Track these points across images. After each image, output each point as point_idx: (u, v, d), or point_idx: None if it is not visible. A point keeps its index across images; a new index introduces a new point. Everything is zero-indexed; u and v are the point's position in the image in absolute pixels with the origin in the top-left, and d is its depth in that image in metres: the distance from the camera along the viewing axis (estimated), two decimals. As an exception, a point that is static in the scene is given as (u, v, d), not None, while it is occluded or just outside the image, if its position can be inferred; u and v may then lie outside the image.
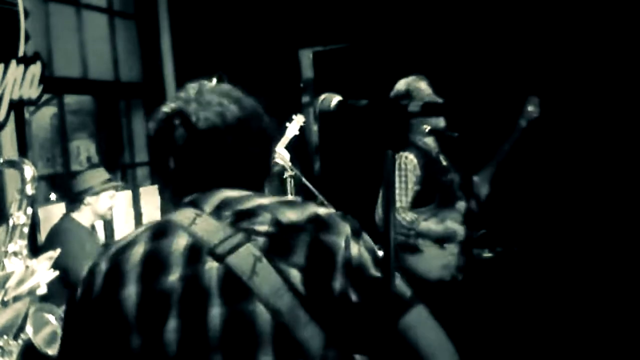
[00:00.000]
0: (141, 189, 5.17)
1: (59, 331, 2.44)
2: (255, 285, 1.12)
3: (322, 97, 1.22)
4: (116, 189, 3.73)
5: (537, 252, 4.22)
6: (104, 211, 3.65)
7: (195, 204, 1.24)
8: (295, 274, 1.14)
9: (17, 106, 3.78)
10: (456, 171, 3.39)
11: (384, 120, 1.04)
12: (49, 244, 3.39)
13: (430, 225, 3.24)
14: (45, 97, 4.08)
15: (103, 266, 1.21)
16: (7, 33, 3.70)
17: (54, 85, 4.25)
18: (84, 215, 3.62)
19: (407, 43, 4.54)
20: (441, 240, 3.26)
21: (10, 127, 3.77)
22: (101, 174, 3.71)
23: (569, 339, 3.83)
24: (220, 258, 1.15)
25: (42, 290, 2.20)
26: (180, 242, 1.18)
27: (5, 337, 2.19)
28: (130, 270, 1.17)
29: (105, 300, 1.17)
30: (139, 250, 1.19)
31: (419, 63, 4.24)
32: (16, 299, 2.14)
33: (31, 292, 2.17)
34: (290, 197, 1.25)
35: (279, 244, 1.17)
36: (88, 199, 3.59)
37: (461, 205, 3.34)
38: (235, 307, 1.13)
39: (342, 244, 1.18)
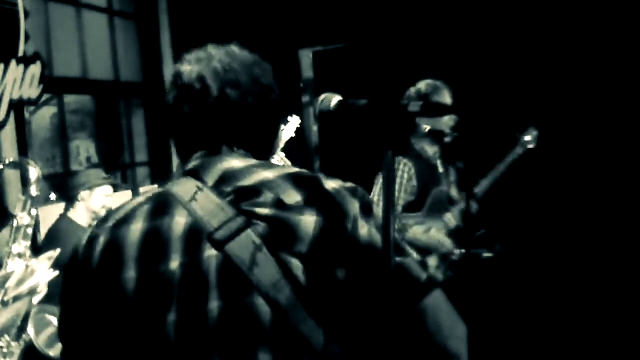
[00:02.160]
0: (141, 189, 5.17)
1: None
2: (255, 276, 1.08)
3: (322, 97, 1.21)
4: (113, 186, 3.72)
5: (537, 253, 4.22)
6: (97, 208, 3.61)
7: (197, 174, 1.19)
8: (296, 264, 1.09)
9: (17, 106, 3.78)
10: (450, 179, 3.39)
11: (384, 120, 1.04)
12: (48, 245, 3.39)
13: (416, 232, 3.23)
14: (45, 97, 4.07)
15: (102, 239, 1.16)
16: (7, 33, 3.70)
17: (54, 85, 4.25)
18: (79, 213, 3.61)
19: (407, 43, 4.54)
20: (424, 251, 3.25)
21: (10, 127, 3.77)
22: (97, 173, 3.72)
23: (568, 339, 3.83)
24: (219, 245, 1.10)
25: (42, 291, 2.20)
26: (179, 222, 1.14)
27: (7, 338, 2.19)
28: (129, 250, 1.13)
29: (105, 278, 1.13)
30: (137, 227, 1.15)
31: (419, 63, 4.24)
32: (16, 299, 2.14)
33: (31, 292, 2.17)
34: (297, 169, 1.22)
35: (281, 230, 1.11)
36: (82, 194, 3.59)
37: (448, 217, 3.33)
38: (234, 300, 1.09)
39: (349, 225, 1.12)
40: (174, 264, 1.11)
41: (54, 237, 3.56)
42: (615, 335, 3.73)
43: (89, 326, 1.15)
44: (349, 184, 1.19)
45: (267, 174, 1.16)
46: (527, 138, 3.48)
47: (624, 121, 4.07)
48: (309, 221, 1.11)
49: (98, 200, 3.61)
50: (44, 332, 2.37)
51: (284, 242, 1.10)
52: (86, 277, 1.16)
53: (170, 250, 1.12)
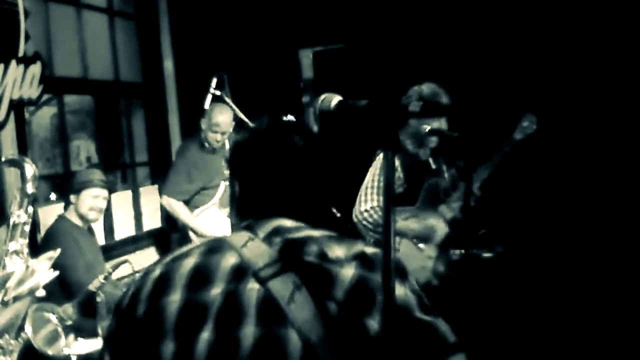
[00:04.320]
0: (141, 189, 5.17)
1: (59, 330, 2.44)
2: (291, 311, 1.16)
3: (322, 97, 1.21)
4: (105, 188, 3.64)
5: (537, 253, 4.22)
6: (86, 211, 3.58)
7: (251, 228, 1.30)
8: (332, 308, 1.17)
9: (17, 106, 3.77)
10: (444, 175, 3.39)
11: (384, 120, 1.04)
12: (45, 245, 3.39)
13: (409, 224, 3.23)
14: (45, 97, 4.07)
15: (157, 272, 1.28)
16: (7, 33, 3.70)
17: (54, 85, 4.24)
18: (73, 215, 3.61)
19: (407, 43, 4.54)
20: (419, 238, 3.24)
21: (10, 127, 3.77)
22: (90, 174, 3.69)
23: (568, 339, 3.83)
24: (262, 281, 1.19)
25: (40, 293, 2.20)
26: (229, 260, 1.24)
27: (6, 336, 2.19)
28: (178, 279, 1.24)
29: (149, 305, 1.24)
30: (189, 262, 1.26)
31: (419, 63, 4.25)
32: (16, 299, 2.14)
33: (31, 292, 2.17)
34: (339, 234, 1.31)
35: (321, 276, 1.20)
36: (71, 198, 3.59)
37: (444, 209, 3.32)
38: (269, 329, 1.16)
39: None
40: (215, 291, 1.21)
41: (53, 237, 3.56)
42: (615, 335, 3.73)
43: (132, 342, 1.24)
44: None
45: (314, 233, 1.28)
46: (525, 124, 3.44)
47: (625, 121, 4.07)
48: (347, 273, 1.20)
49: (86, 203, 3.58)
50: (42, 330, 2.37)
51: (323, 286, 1.19)
52: (135, 304, 1.26)
53: (214, 281, 1.22)
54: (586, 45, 4.12)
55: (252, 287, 1.20)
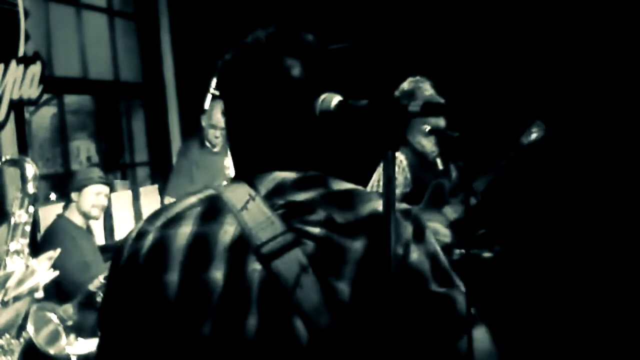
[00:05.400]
0: (141, 189, 5.17)
1: (60, 330, 2.45)
2: (297, 298, 1.06)
3: (322, 97, 1.21)
4: (106, 184, 3.67)
5: (537, 253, 4.22)
6: (88, 208, 3.58)
7: (251, 181, 1.17)
8: (342, 289, 1.06)
9: (17, 106, 3.78)
10: (451, 176, 3.39)
11: (384, 120, 1.04)
12: (44, 245, 3.39)
13: None
14: (45, 97, 4.08)
15: (150, 237, 1.17)
16: (7, 33, 3.70)
17: (54, 85, 4.25)
18: (74, 214, 3.61)
19: (408, 43, 4.54)
20: None
21: (10, 127, 3.77)
22: (88, 172, 3.70)
23: (568, 339, 3.83)
24: (265, 260, 1.09)
25: (39, 294, 2.20)
26: (228, 231, 1.13)
27: (7, 336, 2.19)
28: (175, 252, 1.13)
29: (149, 277, 1.14)
30: (186, 231, 1.15)
31: (420, 63, 4.24)
32: (16, 298, 2.14)
33: (31, 292, 2.18)
34: (351, 186, 1.19)
35: (330, 252, 1.08)
36: (72, 196, 3.59)
37: (448, 211, 3.32)
38: (273, 318, 1.07)
39: (401, 250, 1.09)
40: (218, 273, 1.11)
41: (52, 236, 3.56)
42: (615, 336, 3.73)
43: (128, 320, 1.16)
44: (403, 205, 1.15)
45: (321, 190, 1.15)
46: (534, 129, 3.43)
47: (627, 121, 4.07)
48: (358, 244, 1.08)
49: (88, 200, 3.58)
50: (44, 329, 2.37)
51: (332, 265, 1.07)
52: (131, 272, 1.17)
53: (215, 259, 1.12)
54: (589, 47, 4.12)
55: (254, 269, 1.09)
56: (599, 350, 3.69)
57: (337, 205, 1.12)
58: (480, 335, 1.12)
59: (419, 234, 1.12)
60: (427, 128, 3.20)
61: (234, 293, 1.09)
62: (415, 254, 1.10)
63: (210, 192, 1.20)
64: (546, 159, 4.19)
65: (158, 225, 1.18)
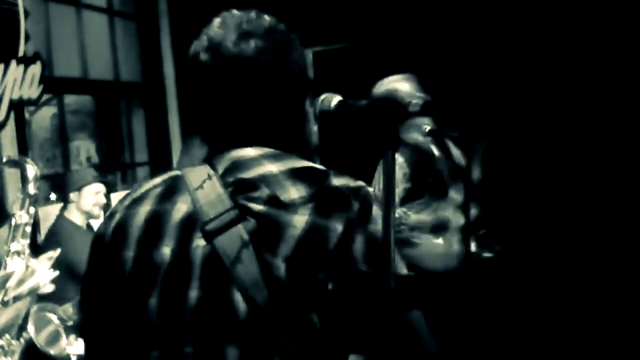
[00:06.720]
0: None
1: (61, 330, 2.45)
2: (236, 273, 1.08)
3: (322, 97, 1.21)
4: (105, 183, 3.70)
5: (538, 253, 4.22)
6: (89, 207, 3.60)
7: (211, 161, 1.21)
8: (279, 266, 1.07)
9: (17, 106, 3.78)
10: (447, 161, 3.37)
11: (384, 120, 1.04)
12: (46, 245, 3.39)
13: (421, 217, 3.22)
14: (45, 97, 4.08)
15: (117, 216, 1.21)
16: (7, 33, 3.71)
17: (54, 85, 4.25)
18: (73, 214, 3.62)
19: (408, 43, 4.54)
20: (435, 229, 3.24)
21: (10, 127, 3.77)
22: (85, 172, 3.71)
23: (568, 339, 3.83)
24: (208, 237, 1.11)
25: (49, 288, 2.21)
26: (180, 209, 1.16)
27: (7, 336, 2.19)
28: (133, 230, 1.17)
29: (111, 254, 1.18)
30: (145, 209, 1.18)
31: (420, 63, 4.24)
32: (16, 298, 2.14)
33: (31, 292, 2.18)
34: (307, 164, 1.18)
35: (269, 229, 1.09)
36: (71, 196, 3.59)
37: (453, 195, 3.31)
38: (213, 292, 1.10)
39: (340, 228, 1.09)
40: (166, 249, 1.14)
41: (52, 237, 3.56)
42: (615, 336, 3.73)
43: (96, 298, 1.20)
44: (356, 183, 1.16)
45: (272, 167, 1.15)
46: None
47: (626, 121, 4.07)
48: (298, 222, 1.09)
49: (88, 200, 3.60)
50: (44, 330, 2.37)
51: (269, 242, 1.09)
52: (99, 251, 1.22)
53: (165, 236, 1.15)
54: (589, 47, 4.12)
55: (198, 245, 1.12)
56: (599, 350, 3.69)
57: (284, 183, 1.13)
58: (414, 319, 1.13)
59: (365, 214, 1.12)
60: (427, 128, 3.19)
61: (179, 268, 1.12)
62: (358, 234, 1.10)
63: (175, 173, 1.24)
64: (546, 159, 4.19)
65: (125, 205, 1.22)
